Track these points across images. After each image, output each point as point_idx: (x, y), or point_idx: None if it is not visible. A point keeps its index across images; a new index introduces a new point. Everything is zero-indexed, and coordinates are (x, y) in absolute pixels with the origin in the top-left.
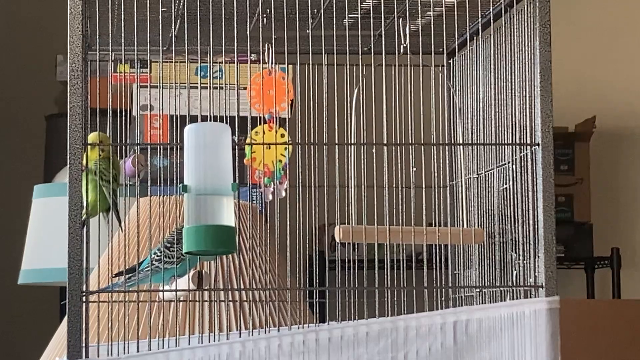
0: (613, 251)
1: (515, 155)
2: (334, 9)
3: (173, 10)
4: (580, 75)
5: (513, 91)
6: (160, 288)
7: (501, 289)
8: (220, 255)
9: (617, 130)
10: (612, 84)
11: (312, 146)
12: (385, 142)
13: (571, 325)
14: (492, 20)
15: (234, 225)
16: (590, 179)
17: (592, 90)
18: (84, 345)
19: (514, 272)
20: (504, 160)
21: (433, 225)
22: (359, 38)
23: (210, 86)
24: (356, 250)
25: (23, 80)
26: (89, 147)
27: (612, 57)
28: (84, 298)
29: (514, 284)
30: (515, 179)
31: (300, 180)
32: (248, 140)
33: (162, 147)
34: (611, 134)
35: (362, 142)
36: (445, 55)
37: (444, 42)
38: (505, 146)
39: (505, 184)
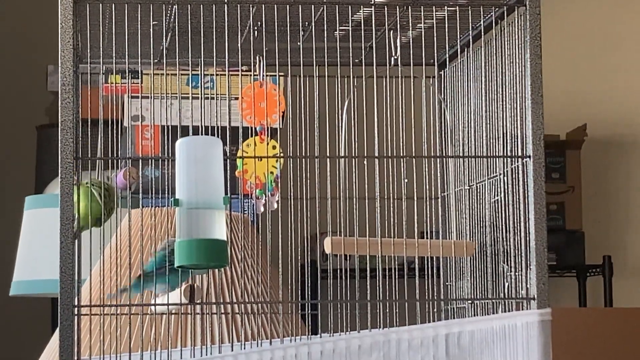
0: (605, 259)
1: (507, 167)
2: (325, 21)
3: (164, 23)
4: (572, 84)
5: (504, 103)
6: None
7: (493, 300)
8: (212, 269)
9: (608, 138)
10: (603, 92)
11: (303, 159)
12: (376, 154)
13: (563, 334)
14: (482, 32)
15: (226, 239)
16: (582, 186)
17: (583, 98)
18: (76, 359)
19: (506, 284)
20: (496, 172)
21: (424, 236)
22: (350, 50)
23: (201, 97)
24: (348, 260)
25: (14, 91)
26: (80, 187)
27: (603, 65)
28: (75, 311)
29: (506, 296)
30: (506, 190)
31: (292, 193)
32: (239, 152)
33: (153, 159)
34: (602, 141)
35: (353, 155)
36: (436, 66)
37: (435, 53)
38: (497, 158)
39: (497, 195)
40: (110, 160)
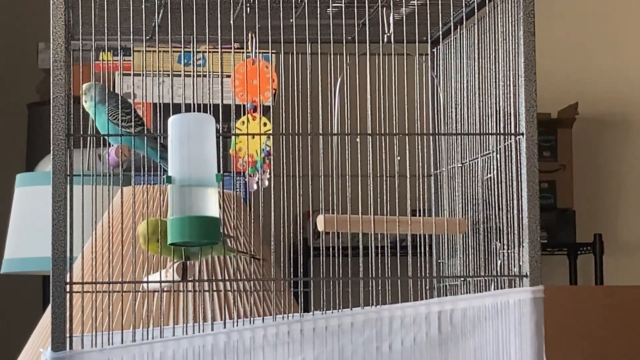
0: (595, 237)
1: (499, 145)
2: None
3: (156, 0)
4: (563, 62)
5: (497, 80)
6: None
7: (486, 278)
8: (205, 247)
9: (599, 116)
10: (594, 70)
11: (295, 136)
12: (369, 131)
13: (554, 312)
14: (476, 9)
15: (219, 217)
16: (573, 165)
17: (575, 77)
18: (68, 336)
19: (499, 262)
20: (488, 150)
21: (417, 213)
22: (343, 27)
23: (193, 74)
24: (340, 237)
25: (4, 68)
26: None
27: (595, 43)
28: (67, 289)
29: (499, 274)
30: (499, 168)
31: (284, 170)
32: (234, 131)
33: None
34: (594, 120)
35: (346, 132)
36: (429, 44)
37: (428, 31)
38: (489, 136)
39: (490, 173)
40: (102, 138)
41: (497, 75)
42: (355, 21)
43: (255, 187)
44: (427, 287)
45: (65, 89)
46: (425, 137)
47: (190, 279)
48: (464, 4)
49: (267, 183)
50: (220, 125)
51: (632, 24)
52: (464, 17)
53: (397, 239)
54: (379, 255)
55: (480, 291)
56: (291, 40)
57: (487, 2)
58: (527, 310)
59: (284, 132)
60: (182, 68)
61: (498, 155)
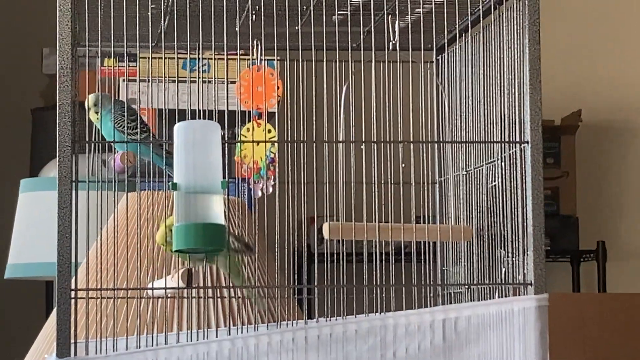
0: (599, 244)
1: (504, 152)
2: (324, 5)
3: (162, 7)
4: (567, 68)
5: (502, 88)
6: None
7: (490, 286)
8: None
9: (603, 123)
10: (598, 77)
11: (300, 143)
12: (374, 139)
13: (558, 319)
14: (481, 17)
15: (224, 223)
16: (576, 172)
17: (578, 84)
18: (73, 342)
19: (503, 269)
20: (493, 157)
21: (422, 220)
22: (349, 34)
23: (199, 80)
24: (343, 244)
25: (8, 73)
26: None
27: (599, 50)
28: (72, 295)
29: (503, 281)
30: (504, 176)
31: (290, 177)
32: (239, 137)
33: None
34: (597, 127)
35: (351, 139)
36: (434, 51)
37: (433, 38)
38: (494, 144)
39: (494, 181)
40: (107, 144)
41: (502, 83)
42: (360, 29)
43: (260, 193)
44: (432, 295)
45: (71, 95)
46: (430, 144)
47: (195, 286)
48: (469, 12)
49: (271, 190)
50: (226, 132)
51: (636, 32)
52: (470, 25)
53: (402, 245)
54: (383, 262)
55: (484, 299)
56: (297, 47)
57: (492, 10)
58: (531, 319)
59: (289, 139)
60: (187, 74)
61: (503, 163)
